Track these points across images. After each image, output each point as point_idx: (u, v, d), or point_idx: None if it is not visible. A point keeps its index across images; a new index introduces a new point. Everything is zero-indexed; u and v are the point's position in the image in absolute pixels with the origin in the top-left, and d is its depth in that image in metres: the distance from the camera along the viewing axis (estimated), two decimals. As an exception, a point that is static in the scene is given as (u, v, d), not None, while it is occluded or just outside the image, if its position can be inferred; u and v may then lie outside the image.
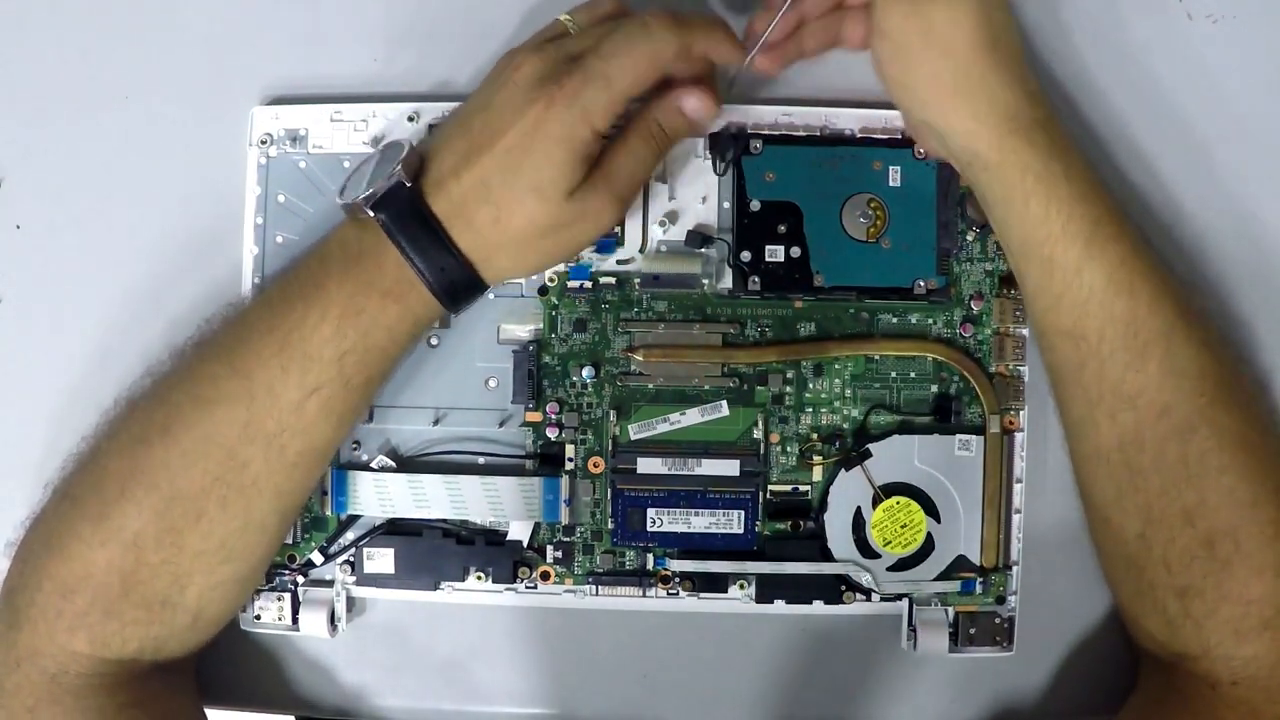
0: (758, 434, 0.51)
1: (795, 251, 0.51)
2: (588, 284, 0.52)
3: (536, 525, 0.52)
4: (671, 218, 0.52)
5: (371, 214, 0.45)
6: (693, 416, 0.51)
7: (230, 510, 0.45)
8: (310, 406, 0.45)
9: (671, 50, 0.45)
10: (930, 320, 0.52)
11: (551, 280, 0.52)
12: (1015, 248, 0.48)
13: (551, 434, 0.51)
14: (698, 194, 0.52)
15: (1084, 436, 0.48)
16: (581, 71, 0.44)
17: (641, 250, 0.52)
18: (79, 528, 0.45)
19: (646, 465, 0.51)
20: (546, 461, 0.52)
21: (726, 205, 0.51)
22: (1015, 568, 0.52)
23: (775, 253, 0.51)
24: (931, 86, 0.46)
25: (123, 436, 0.47)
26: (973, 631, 0.51)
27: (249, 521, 0.46)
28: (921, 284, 0.51)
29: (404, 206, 0.45)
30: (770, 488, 0.52)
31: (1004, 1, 0.46)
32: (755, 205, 0.51)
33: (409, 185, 0.45)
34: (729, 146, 0.51)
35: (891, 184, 0.51)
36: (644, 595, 0.52)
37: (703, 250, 0.51)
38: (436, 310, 0.46)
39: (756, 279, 0.51)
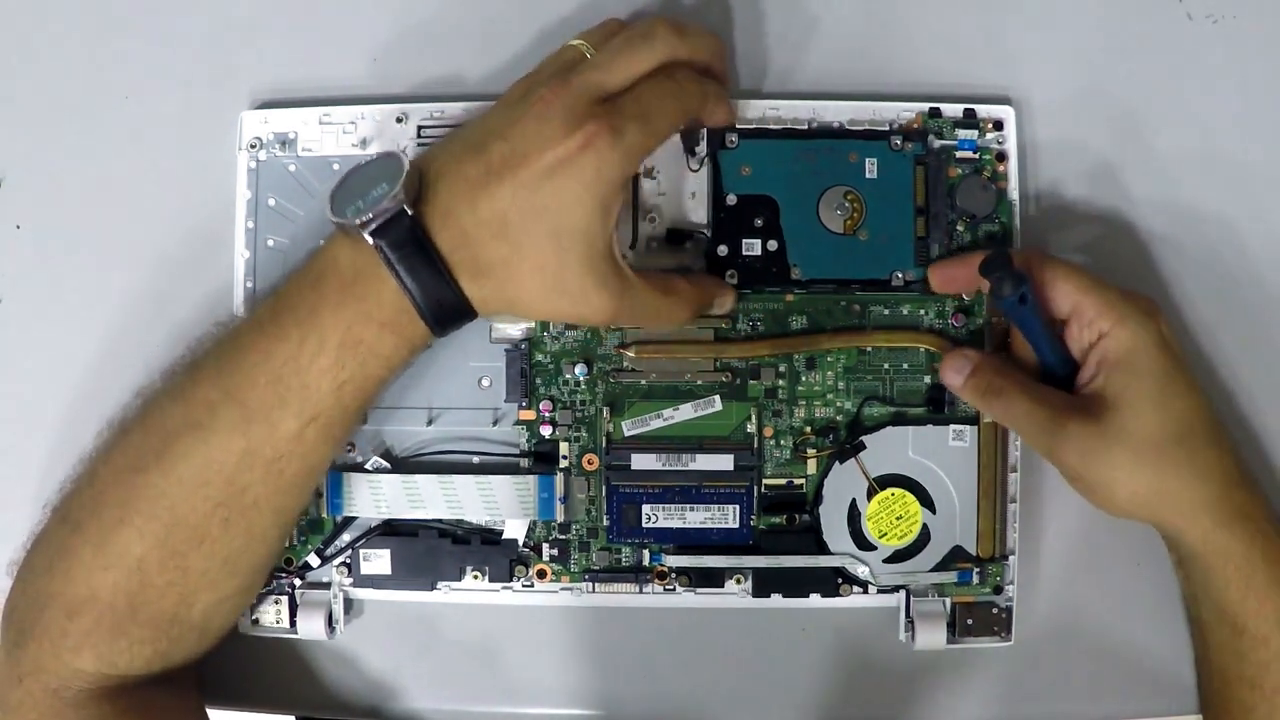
0: (751, 428, 0.51)
1: (772, 245, 0.51)
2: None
3: (532, 523, 0.52)
4: (659, 213, 0.51)
5: (370, 239, 0.43)
6: (686, 412, 0.51)
7: (233, 530, 0.45)
8: (309, 434, 0.45)
9: (698, 102, 0.47)
10: (922, 311, 0.51)
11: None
12: (1204, 609, 0.49)
13: (545, 432, 0.51)
14: (678, 189, 0.52)
15: None
16: (618, 113, 0.43)
17: (632, 246, 0.51)
18: (80, 551, 0.45)
19: (640, 461, 0.51)
20: (540, 459, 0.52)
21: (704, 199, 0.51)
22: (1012, 557, 0.51)
23: (752, 246, 0.51)
24: (1130, 501, 0.47)
25: (118, 462, 0.46)
26: (970, 622, 0.51)
27: (251, 538, 0.46)
28: (899, 276, 0.51)
29: (405, 235, 0.43)
30: (765, 482, 0.51)
31: (1186, 387, 0.47)
32: (731, 199, 0.51)
33: (410, 213, 0.43)
34: (695, 140, 0.51)
35: (868, 176, 0.51)
36: (640, 592, 0.52)
37: (686, 245, 0.51)
38: (430, 336, 0.45)
39: (734, 273, 0.51)
